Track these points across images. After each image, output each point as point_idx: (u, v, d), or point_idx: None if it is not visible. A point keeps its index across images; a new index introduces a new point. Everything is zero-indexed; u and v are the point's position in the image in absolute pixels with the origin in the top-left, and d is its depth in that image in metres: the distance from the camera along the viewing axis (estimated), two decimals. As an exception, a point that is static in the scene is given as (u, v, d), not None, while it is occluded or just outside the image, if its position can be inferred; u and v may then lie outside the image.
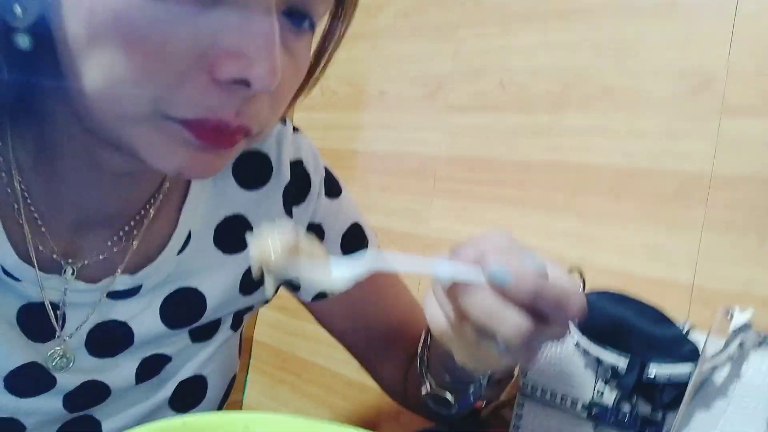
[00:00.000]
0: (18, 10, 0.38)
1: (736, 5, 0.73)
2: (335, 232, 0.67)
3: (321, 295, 0.68)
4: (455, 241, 0.84)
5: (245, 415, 0.48)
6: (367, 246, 0.68)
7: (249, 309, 0.66)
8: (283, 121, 0.64)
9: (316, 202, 0.65)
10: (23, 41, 0.39)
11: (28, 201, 0.49)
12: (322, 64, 0.52)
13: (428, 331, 0.62)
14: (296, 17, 0.41)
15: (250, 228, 0.61)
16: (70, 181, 0.50)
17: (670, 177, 0.77)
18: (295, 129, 0.65)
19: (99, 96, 0.39)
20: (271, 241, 0.40)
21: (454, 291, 0.41)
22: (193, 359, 0.61)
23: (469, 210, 0.94)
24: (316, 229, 0.66)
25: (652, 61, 0.79)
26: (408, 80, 1.04)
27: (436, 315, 0.43)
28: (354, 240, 0.67)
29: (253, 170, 0.61)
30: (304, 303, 0.71)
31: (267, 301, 0.68)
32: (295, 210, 0.64)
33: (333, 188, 0.67)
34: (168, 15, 0.36)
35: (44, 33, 0.39)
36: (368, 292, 0.69)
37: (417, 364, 0.62)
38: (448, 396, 0.60)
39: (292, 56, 0.42)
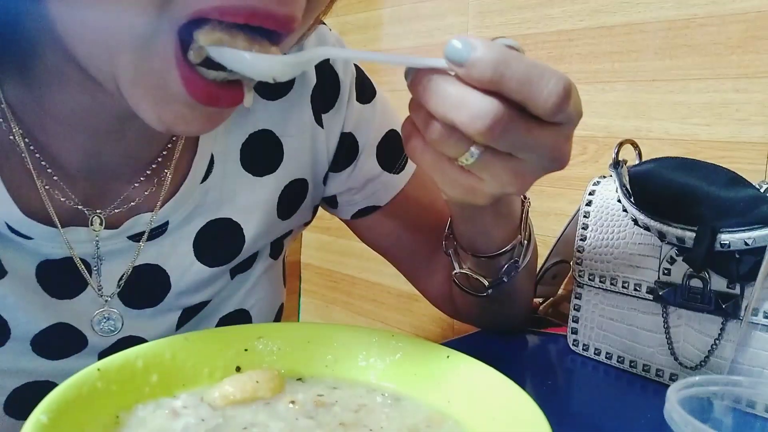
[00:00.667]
0: None
1: None
2: (370, 142, 0.59)
3: (361, 213, 0.62)
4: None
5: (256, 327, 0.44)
6: (406, 157, 0.61)
7: (288, 234, 0.61)
8: None
9: (348, 107, 0.58)
10: None
11: (32, 148, 0.44)
12: None
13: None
14: None
15: (279, 144, 0.55)
16: (72, 125, 0.44)
17: (732, 20, 0.66)
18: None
19: (81, 13, 0.33)
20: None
21: (415, 85, 0.34)
22: (233, 296, 0.57)
23: (506, 96, 0.86)
24: (349, 139, 0.58)
25: None
26: (425, -38, 0.94)
27: (409, 131, 0.37)
28: (391, 149, 0.60)
29: None
30: (345, 221, 0.65)
31: (307, 224, 0.63)
32: (325, 117, 0.57)
33: (365, 91, 0.59)
34: None
35: None
36: (409, 204, 0.63)
37: (444, 244, 0.56)
38: (479, 277, 0.55)
39: None
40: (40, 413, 0.29)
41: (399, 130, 0.61)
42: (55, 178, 0.46)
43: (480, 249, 0.54)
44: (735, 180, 0.57)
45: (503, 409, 0.34)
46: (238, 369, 0.40)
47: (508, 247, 0.53)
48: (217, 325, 0.56)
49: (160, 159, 0.49)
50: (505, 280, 0.55)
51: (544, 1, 0.82)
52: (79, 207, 0.46)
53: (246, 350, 0.41)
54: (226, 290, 0.56)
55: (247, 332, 0.42)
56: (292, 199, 0.57)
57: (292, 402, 0.37)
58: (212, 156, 0.51)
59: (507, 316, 0.65)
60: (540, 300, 0.74)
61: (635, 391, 0.58)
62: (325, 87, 0.56)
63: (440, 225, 0.62)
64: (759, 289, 0.51)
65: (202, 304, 0.55)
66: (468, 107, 0.31)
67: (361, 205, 0.61)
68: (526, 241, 0.55)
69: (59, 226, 0.45)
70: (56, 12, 0.34)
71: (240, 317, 0.58)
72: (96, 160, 0.47)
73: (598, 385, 0.60)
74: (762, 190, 0.56)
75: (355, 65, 0.59)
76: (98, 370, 0.34)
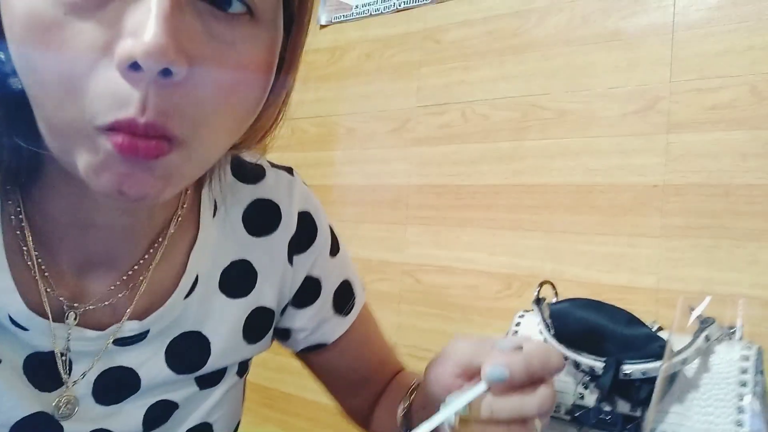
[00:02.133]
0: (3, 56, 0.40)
1: (672, 31, 0.80)
2: (329, 287, 0.69)
3: (310, 348, 0.70)
4: (431, 265, 0.88)
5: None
6: (354, 300, 0.71)
7: (250, 357, 0.65)
8: (290, 172, 0.65)
9: (319, 256, 0.66)
10: (16, 83, 0.41)
11: (32, 245, 0.49)
12: (289, 77, 0.48)
13: (411, 389, 0.64)
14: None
15: (254, 273, 0.62)
16: (64, 227, 0.50)
17: (626, 190, 0.83)
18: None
19: (43, 110, 0.39)
20: None
21: (475, 411, 0.46)
22: (200, 407, 0.61)
23: (442, 234, 0.99)
24: (314, 282, 0.67)
25: (602, 85, 0.86)
26: (375, 117, 1.09)
27: None
28: (344, 296, 0.70)
29: (263, 218, 0.62)
30: (293, 353, 0.73)
31: (263, 350, 0.69)
32: (295, 258, 0.65)
33: (335, 246, 0.69)
34: (71, 11, 0.36)
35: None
36: (351, 342, 0.72)
37: (399, 419, 0.64)
38: None
39: (224, 44, 0.39)
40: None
41: (351, 279, 0.70)
42: (46, 274, 0.50)
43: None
44: (633, 320, 0.70)
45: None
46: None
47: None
48: None
49: (136, 267, 0.54)
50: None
51: (476, 159, 0.97)
52: (64, 301, 0.51)
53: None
54: (193, 400, 0.60)
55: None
56: (258, 324, 0.63)
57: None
58: (197, 276, 0.57)
59: None
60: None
61: (557, 504, 0.66)
62: (303, 234, 0.64)
63: (375, 360, 0.72)
64: (653, 413, 0.62)
65: (168, 405, 0.59)
66: (537, 401, 0.44)
67: (311, 342, 0.68)
68: None
69: (51, 319, 0.49)
70: (35, 95, 0.39)
71: (203, 430, 0.62)
72: (83, 259, 0.51)
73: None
74: (654, 330, 0.69)
75: (329, 225, 0.70)
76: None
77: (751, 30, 0.75)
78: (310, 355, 0.70)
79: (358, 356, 0.72)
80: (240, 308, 0.61)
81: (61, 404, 0.53)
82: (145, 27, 0.35)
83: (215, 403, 0.63)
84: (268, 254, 0.63)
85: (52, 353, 0.51)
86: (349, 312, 0.70)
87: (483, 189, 0.96)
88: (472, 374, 0.48)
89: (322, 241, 0.67)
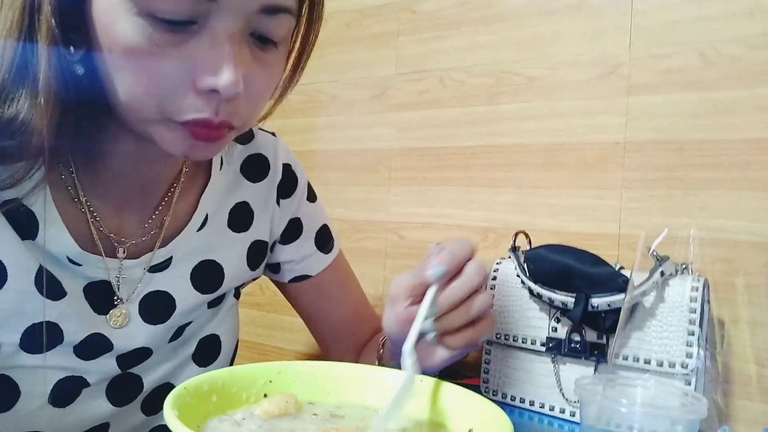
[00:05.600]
0: (72, 50, 0.53)
1: (631, 2, 0.88)
2: (311, 229, 0.84)
3: (296, 279, 0.84)
4: (414, 222, 0.97)
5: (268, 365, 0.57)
6: (333, 243, 0.86)
7: (247, 282, 0.81)
8: (273, 134, 0.81)
9: (300, 201, 0.82)
10: (79, 69, 0.53)
11: (82, 192, 0.61)
12: (298, 71, 0.68)
13: (383, 340, 0.76)
14: (260, 38, 0.54)
15: (252, 213, 0.77)
16: (115, 167, 0.62)
17: (590, 148, 0.91)
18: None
19: (127, 106, 0.54)
20: None
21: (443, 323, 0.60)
22: (208, 322, 0.75)
23: (423, 193, 1.06)
24: (298, 222, 0.83)
25: (567, 52, 0.93)
26: (356, 85, 1.15)
27: None
28: (323, 236, 0.85)
29: (256, 167, 0.78)
30: (282, 286, 0.86)
31: (256, 279, 0.83)
32: (282, 202, 0.80)
33: (311, 195, 0.85)
34: (161, 46, 0.50)
35: (92, 60, 0.53)
36: (331, 278, 0.85)
37: (378, 355, 0.76)
38: None
39: (262, 65, 0.55)
40: (169, 410, 0.41)
41: (328, 224, 0.86)
42: (98, 218, 0.63)
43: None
44: (598, 261, 0.79)
45: (468, 409, 0.50)
46: (265, 395, 0.53)
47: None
48: (197, 346, 0.73)
49: (161, 207, 0.68)
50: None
51: (452, 123, 1.04)
52: (112, 237, 0.64)
53: (270, 381, 0.54)
54: (203, 317, 0.74)
55: (270, 368, 0.55)
56: (257, 253, 0.78)
57: (315, 414, 0.51)
58: (207, 214, 0.72)
59: None
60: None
61: (534, 423, 0.76)
62: (287, 182, 0.80)
63: (352, 309, 0.86)
64: (618, 338, 0.72)
65: (187, 323, 0.71)
66: (469, 273, 0.60)
67: (297, 272, 0.83)
68: None
69: (104, 255, 0.62)
70: (123, 98, 0.53)
71: (212, 341, 0.75)
72: (123, 202, 0.65)
73: (507, 419, 0.77)
74: (617, 269, 0.78)
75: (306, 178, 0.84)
76: (185, 389, 0.46)
77: (700, 2, 0.83)
78: (296, 286, 0.84)
79: (339, 297, 0.86)
80: (243, 240, 0.77)
81: (115, 316, 0.65)
82: (222, 69, 0.51)
83: (220, 319, 0.77)
84: (261, 197, 0.78)
85: (104, 281, 0.64)
86: (329, 252, 0.85)
87: (460, 150, 1.03)
88: (418, 296, 0.59)
89: (302, 189, 0.83)
